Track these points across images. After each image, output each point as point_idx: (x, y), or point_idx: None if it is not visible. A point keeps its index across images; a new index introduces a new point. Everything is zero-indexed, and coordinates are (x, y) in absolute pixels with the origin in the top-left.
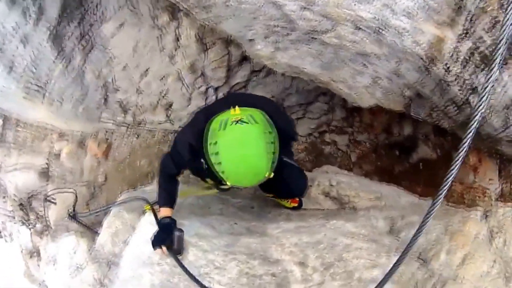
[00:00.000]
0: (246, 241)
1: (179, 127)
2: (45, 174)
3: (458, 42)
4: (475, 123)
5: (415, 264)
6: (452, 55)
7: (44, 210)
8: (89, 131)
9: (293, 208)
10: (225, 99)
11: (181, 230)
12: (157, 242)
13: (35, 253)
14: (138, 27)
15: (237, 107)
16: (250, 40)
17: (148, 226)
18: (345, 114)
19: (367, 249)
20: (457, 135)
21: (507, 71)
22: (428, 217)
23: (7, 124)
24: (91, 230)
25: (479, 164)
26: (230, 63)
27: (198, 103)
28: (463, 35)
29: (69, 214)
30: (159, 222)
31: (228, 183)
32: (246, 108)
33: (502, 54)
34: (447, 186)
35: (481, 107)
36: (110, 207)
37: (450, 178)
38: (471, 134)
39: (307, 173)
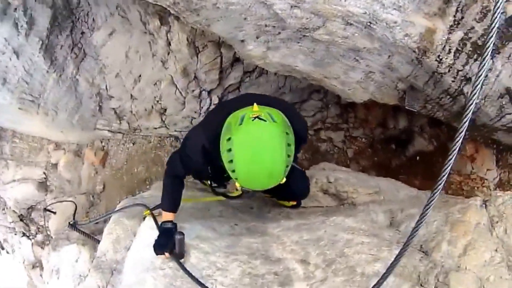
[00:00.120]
0: (247, 241)
1: (175, 131)
2: (43, 185)
3: (450, 32)
4: (470, 112)
5: (417, 256)
6: (444, 46)
7: (44, 221)
8: (85, 140)
9: (292, 207)
10: (241, 97)
11: (181, 233)
12: (159, 247)
13: (37, 264)
14: (129, 34)
15: (255, 104)
16: (241, 41)
17: (148, 231)
18: (340, 111)
19: (368, 244)
20: (452, 126)
21: (500, 60)
22: (428, 208)
23: (3, 137)
24: (92, 238)
25: (476, 154)
26: (222, 65)
27: (192, 107)
28: (454, 25)
29: (69, 224)
30: (160, 226)
31: (237, 184)
32: (265, 106)
33: (494, 42)
34: (445, 175)
35: (475, 96)
36: (110, 214)
37: (448, 168)
38: (466, 123)
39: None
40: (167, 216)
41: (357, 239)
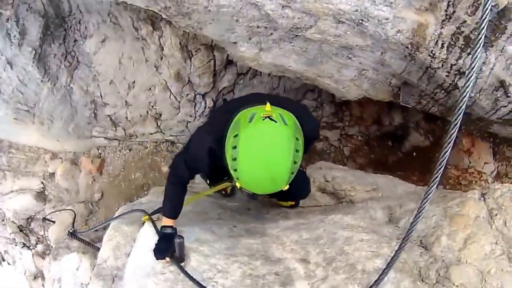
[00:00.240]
0: (247, 242)
1: (171, 135)
2: (41, 195)
3: (441, 27)
4: (463, 104)
5: (417, 251)
6: (437, 41)
7: (44, 230)
8: (81, 148)
9: (291, 207)
10: (249, 96)
11: (181, 237)
12: (159, 252)
13: (38, 274)
14: (122, 40)
15: (268, 104)
16: (233, 43)
17: (148, 236)
18: (334, 109)
19: (368, 241)
20: (448, 120)
21: (493, 53)
22: (425, 202)
23: (0, 148)
24: (92, 246)
25: (473, 148)
26: (215, 68)
27: (187, 111)
28: (446, 19)
29: (68, 232)
30: (159, 231)
31: (238, 185)
32: (277, 107)
33: (485, 35)
34: (441, 168)
35: (468, 88)
36: (109, 221)
37: (444, 161)
38: (460, 115)
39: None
40: (167, 221)
41: (357, 236)
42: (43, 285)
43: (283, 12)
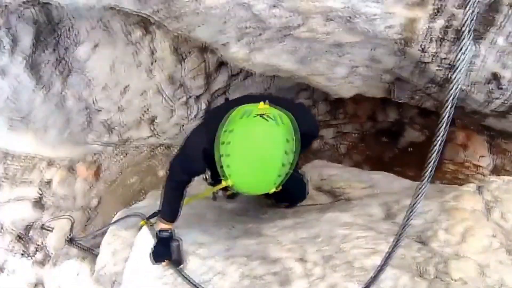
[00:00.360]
0: (244, 243)
1: (166, 139)
2: (39, 203)
3: (431, 21)
4: (451, 97)
5: (414, 247)
6: (426, 35)
7: (43, 239)
8: (77, 155)
9: (287, 206)
10: (249, 96)
11: (177, 240)
12: (156, 256)
13: (39, 283)
14: (113, 46)
15: (267, 102)
16: (224, 44)
17: (145, 240)
18: (329, 107)
19: (365, 238)
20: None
21: (484, 46)
22: (418, 196)
23: None
24: (91, 252)
25: (468, 142)
26: (208, 70)
27: (181, 114)
28: (435, 14)
29: (66, 239)
30: (156, 235)
31: (228, 182)
32: (275, 106)
33: (472, 27)
34: (431, 163)
35: (456, 81)
36: (107, 227)
37: (434, 155)
38: (449, 107)
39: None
40: (164, 224)
41: (354, 233)
42: None
43: (272, 12)
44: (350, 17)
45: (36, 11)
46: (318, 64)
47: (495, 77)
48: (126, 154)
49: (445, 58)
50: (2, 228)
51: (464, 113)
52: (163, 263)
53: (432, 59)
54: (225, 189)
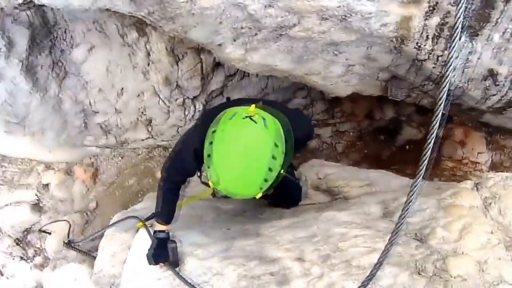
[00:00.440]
0: (241, 244)
1: (163, 141)
2: (37, 207)
3: (426, 19)
4: (444, 94)
5: (412, 245)
6: (422, 33)
7: (41, 242)
8: (74, 158)
9: (286, 207)
10: (243, 99)
11: (174, 242)
12: (153, 257)
13: (38, 287)
14: (109, 48)
15: (254, 105)
16: (219, 45)
17: (143, 243)
18: (326, 107)
19: (363, 236)
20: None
21: (480, 42)
22: (413, 192)
23: None
24: (89, 255)
25: (466, 139)
26: (203, 71)
27: (177, 115)
28: (430, 11)
29: (64, 243)
30: (152, 236)
31: (210, 183)
32: (265, 108)
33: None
34: (426, 160)
35: (448, 78)
36: (105, 230)
37: (428, 152)
38: (442, 104)
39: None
40: (160, 226)
41: (351, 232)
42: None
43: (266, 12)
44: (345, 16)
45: (32, 14)
46: (314, 64)
47: (492, 73)
48: (123, 156)
49: (441, 56)
50: (0, 232)
51: (461, 110)
52: (160, 265)
53: (428, 56)
54: None
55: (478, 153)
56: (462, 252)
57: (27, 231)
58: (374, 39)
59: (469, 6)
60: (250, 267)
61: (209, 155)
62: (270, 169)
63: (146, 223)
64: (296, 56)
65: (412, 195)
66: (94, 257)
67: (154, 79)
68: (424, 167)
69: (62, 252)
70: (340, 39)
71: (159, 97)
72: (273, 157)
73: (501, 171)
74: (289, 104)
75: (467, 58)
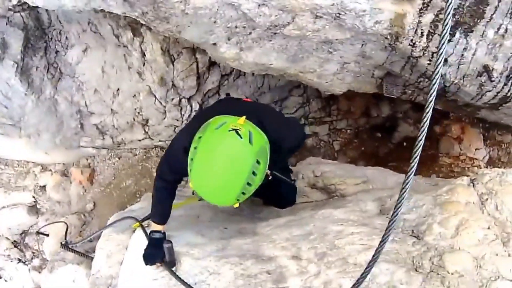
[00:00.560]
0: (237, 243)
1: (159, 141)
2: (34, 209)
3: (420, 16)
4: (434, 91)
5: (409, 241)
6: (416, 29)
7: (38, 244)
8: (70, 159)
9: (281, 207)
10: (237, 103)
11: (169, 242)
12: (148, 258)
13: None
14: (103, 48)
15: (244, 117)
16: (213, 44)
17: (139, 243)
18: (322, 104)
19: (359, 233)
20: (435, 108)
21: (474, 38)
22: (405, 188)
23: None
24: (87, 257)
25: (463, 135)
26: (199, 70)
27: (174, 115)
28: (424, 8)
29: (61, 244)
30: (148, 236)
31: (191, 185)
32: (253, 124)
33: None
34: (417, 157)
35: (437, 74)
36: (102, 231)
37: (419, 149)
38: (432, 100)
39: (290, 168)
40: (156, 226)
41: (347, 230)
42: None
43: (260, 11)
44: (338, 14)
45: (26, 15)
46: (308, 62)
47: (487, 69)
48: (120, 157)
49: (435, 52)
50: None
51: (457, 106)
52: (156, 265)
53: (423, 53)
54: None
55: (475, 149)
56: (459, 248)
57: (25, 233)
58: (369, 37)
59: (462, 2)
60: (247, 266)
61: (192, 159)
62: (248, 184)
63: (144, 223)
64: (291, 54)
65: (404, 192)
66: (92, 258)
67: (149, 79)
68: (415, 164)
69: (59, 253)
70: (334, 37)
71: (155, 97)
72: (253, 173)
73: (499, 167)
74: (285, 102)
75: (462, 55)
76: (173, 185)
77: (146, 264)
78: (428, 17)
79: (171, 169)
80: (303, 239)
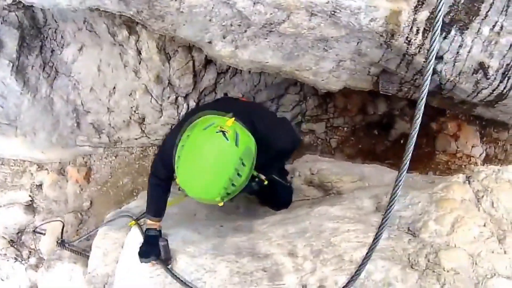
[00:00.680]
0: (233, 240)
1: (156, 139)
2: (30, 207)
3: (415, 13)
4: (426, 87)
5: (405, 239)
6: (411, 27)
7: (35, 243)
8: (67, 158)
9: (276, 208)
10: (232, 103)
11: (165, 239)
12: (144, 255)
13: None
14: (99, 47)
15: (234, 119)
16: (209, 42)
17: (135, 241)
18: (318, 102)
19: (355, 231)
20: (431, 106)
21: (469, 36)
22: (397, 185)
23: None
24: (83, 255)
25: (459, 132)
26: (195, 68)
27: (170, 113)
28: (419, 5)
29: (57, 242)
30: (144, 234)
31: (177, 181)
32: (242, 126)
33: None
34: (409, 154)
35: (429, 71)
36: (98, 229)
37: (411, 146)
38: (424, 97)
39: (288, 166)
40: (151, 223)
41: (343, 227)
42: None
43: (255, 9)
44: (334, 12)
45: (21, 14)
46: (303, 60)
47: (482, 67)
48: (117, 155)
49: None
50: None
51: (453, 103)
52: (151, 263)
53: (418, 50)
54: None
55: (472, 146)
56: (455, 246)
57: (21, 232)
58: (364, 34)
59: (457, 0)
60: (243, 263)
61: (178, 157)
62: (233, 185)
63: (140, 221)
64: (286, 52)
65: (397, 189)
66: (88, 257)
67: (145, 77)
68: (408, 160)
69: (56, 252)
70: (329, 34)
71: (151, 95)
72: (238, 174)
73: (495, 164)
74: (282, 100)
75: (457, 52)
76: (166, 182)
77: (142, 262)
78: (423, 15)
79: (164, 166)
80: (299, 237)
